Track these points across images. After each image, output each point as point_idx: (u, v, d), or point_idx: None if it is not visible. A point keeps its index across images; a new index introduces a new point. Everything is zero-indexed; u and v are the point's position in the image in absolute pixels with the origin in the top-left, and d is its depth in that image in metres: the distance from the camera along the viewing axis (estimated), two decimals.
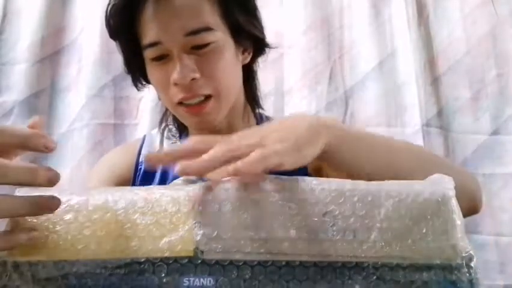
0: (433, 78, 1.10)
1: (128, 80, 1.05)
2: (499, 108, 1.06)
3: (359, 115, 1.09)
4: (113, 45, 1.04)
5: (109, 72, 1.03)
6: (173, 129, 0.74)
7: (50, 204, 0.32)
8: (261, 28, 0.66)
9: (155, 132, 0.75)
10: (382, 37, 1.11)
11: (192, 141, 0.40)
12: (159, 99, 0.71)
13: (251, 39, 0.65)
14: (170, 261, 0.32)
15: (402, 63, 1.09)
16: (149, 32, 0.57)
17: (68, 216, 0.33)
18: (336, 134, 0.42)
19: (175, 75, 0.56)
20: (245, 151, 0.36)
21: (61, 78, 1.05)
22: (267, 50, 0.69)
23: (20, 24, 1.04)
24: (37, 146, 0.32)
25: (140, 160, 0.70)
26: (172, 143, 0.72)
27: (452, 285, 0.32)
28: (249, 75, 0.70)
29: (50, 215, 0.33)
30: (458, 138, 1.07)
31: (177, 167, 0.35)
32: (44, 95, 1.03)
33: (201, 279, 0.32)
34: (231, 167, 0.35)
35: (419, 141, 1.04)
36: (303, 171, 0.69)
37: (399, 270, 0.32)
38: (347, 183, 0.34)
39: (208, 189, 0.34)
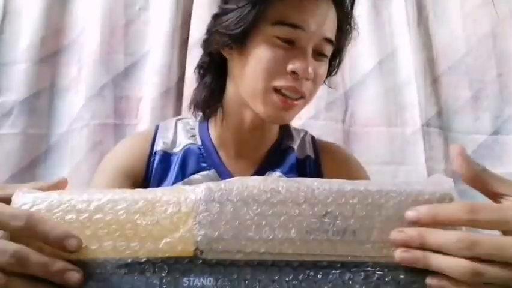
0: (433, 78, 1.10)
1: (128, 79, 1.04)
2: (499, 108, 1.07)
3: (358, 115, 1.09)
4: (113, 44, 1.05)
5: (108, 72, 1.03)
6: (191, 121, 0.73)
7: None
8: (340, 64, 0.72)
9: (169, 122, 0.75)
10: (382, 37, 1.11)
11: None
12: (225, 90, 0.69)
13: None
14: (171, 262, 0.32)
15: (402, 63, 1.09)
16: (296, 14, 0.59)
17: (69, 216, 0.33)
18: None
19: (300, 66, 0.58)
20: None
21: (61, 78, 1.05)
22: None
23: (20, 24, 1.04)
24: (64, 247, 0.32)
25: (154, 150, 0.69)
26: (192, 136, 0.71)
27: None
28: None
29: (52, 215, 0.33)
30: (458, 138, 1.07)
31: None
32: (43, 95, 1.03)
33: (201, 280, 0.32)
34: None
35: (419, 140, 1.04)
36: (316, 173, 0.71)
37: (399, 271, 0.32)
38: (347, 184, 0.35)
39: (209, 190, 0.34)
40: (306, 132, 0.77)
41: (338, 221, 0.33)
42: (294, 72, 0.59)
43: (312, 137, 0.77)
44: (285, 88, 0.59)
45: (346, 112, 1.09)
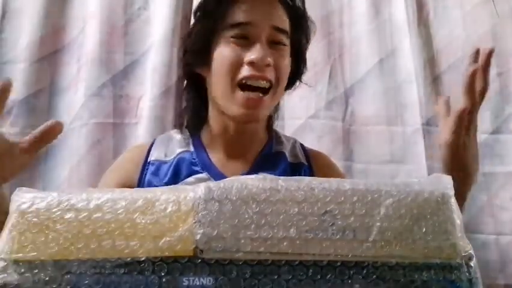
0: (433, 77, 1.10)
1: (128, 78, 1.05)
2: (499, 107, 1.06)
3: (359, 114, 1.08)
4: (112, 44, 1.05)
5: (108, 72, 1.03)
6: (187, 132, 0.76)
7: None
8: (305, 62, 0.77)
9: (165, 135, 0.78)
10: (382, 36, 1.11)
11: None
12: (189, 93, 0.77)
13: (294, 66, 0.73)
14: (170, 261, 0.32)
15: (402, 61, 1.08)
16: (242, 14, 0.66)
17: (68, 215, 0.33)
18: None
19: (254, 55, 0.63)
20: None
21: (60, 77, 1.05)
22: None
23: (19, 23, 1.04)
24: None
25: (148, 160, 0.72)
26: (186, 144, 0.74)
27: (451, 284, 0.32)
28: None
29: (51, 214, 0.33)
30: None
31: None
32: (43, 94, 1.02)
33: (201, 279, 0.32)
34: None
35: (419, 139, 1.04)
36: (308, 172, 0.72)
37: (399, 270, 0.32)
38: (347, 183, 0.34)
39: (209, 188, 0.34)
40: (295, 140, 0.80)
41: (337, 220, 0.33)
42: (251, 62, 0.63)
43: (301, 145, 0.80)
44: (248, 78, 0.64)
45: (346, 111, 1.09)
